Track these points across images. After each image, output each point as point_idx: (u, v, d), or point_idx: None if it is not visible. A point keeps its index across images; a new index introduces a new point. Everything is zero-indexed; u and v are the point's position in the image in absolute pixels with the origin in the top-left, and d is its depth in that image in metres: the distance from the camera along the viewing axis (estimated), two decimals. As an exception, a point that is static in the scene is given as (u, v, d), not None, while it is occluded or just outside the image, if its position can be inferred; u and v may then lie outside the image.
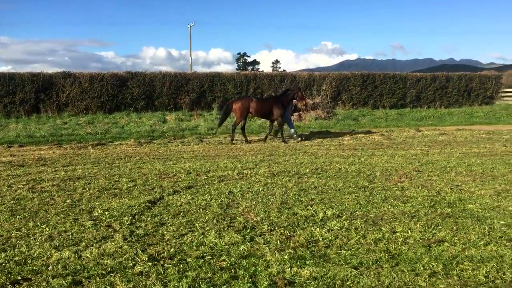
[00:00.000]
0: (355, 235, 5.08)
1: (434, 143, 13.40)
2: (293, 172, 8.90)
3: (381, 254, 4.46)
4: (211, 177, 8.49)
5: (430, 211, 6.01)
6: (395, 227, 5.35)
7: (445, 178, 8.17)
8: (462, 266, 4.16)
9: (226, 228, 5.37)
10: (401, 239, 4.93)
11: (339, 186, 7.66)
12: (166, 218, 5.83)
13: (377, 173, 8.72)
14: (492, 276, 3.92)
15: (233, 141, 14.17)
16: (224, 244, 4.82)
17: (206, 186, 7.74)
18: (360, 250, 4.62)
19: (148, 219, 5.79)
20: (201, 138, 15.36)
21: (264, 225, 5.47)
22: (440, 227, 5.33)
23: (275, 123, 14.57)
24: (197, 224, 5.54)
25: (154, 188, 7.62)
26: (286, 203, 6.52)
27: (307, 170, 9.08)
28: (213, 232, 5.19)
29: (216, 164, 9.98)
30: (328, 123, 19.30)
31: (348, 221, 5.58)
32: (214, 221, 5.68)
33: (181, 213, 6.04)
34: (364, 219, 5.70)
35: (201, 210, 6.21)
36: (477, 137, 15.04)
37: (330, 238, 4.98)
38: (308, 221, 5.64)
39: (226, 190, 7.43)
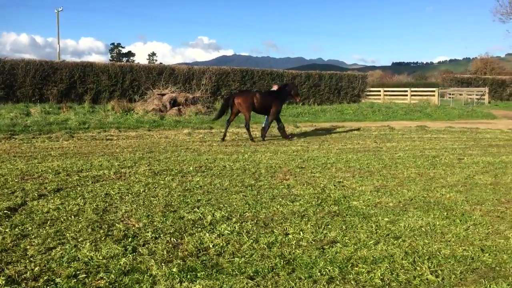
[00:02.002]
0: (247, 239, 4.77)
1: (312, 139, 13.76)
2: (176, 171, 8.39)
3: (276, 260, 4.20)
4: (84, 178, 7.64)
5: (318, 210, 5.94)
6: (286, 228, 5.15)
7: (327, 175, 8.28)
8: (357, 268, 4.05)
9: (103, 238, 4.72)
10: (294, 241, 4.74)
11: (225, 185, 7.34)
12: (30, 228, 4.99)
13: (262, 170, 8.58)
14: (388, 279, 3.85)
15: (253, 139, 13.16)
16: (101, 257, 4.19)
17: (79, 188, 6.91)
18: (254, 256, 4.31)
19: (7, 230, 4.90)
20: (72, 133, 14.04)
21: (148, 232, 4.93)
22: (330, 226, 5.24)
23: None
24: (68, 235, 4.81)
25: (15, 191, 6.59)
26: (171, 206, 6.02)
27: (191, 168, 8.63)
28: (88, 243, 4.52)
29: (89, 162, 9.07)
30: (208, 118, 18.96)
31: (238, 224, 5.26)
32: (89, 229, 4.99)
33: (49, 222, 5.23)
34: (255, 220, 5.42)
35: (72, 217, 5.44)
36: (350, 133, 15.81)
37: (221, 244, 4.61)
38: (196, 225, 5.21)
39: (102, 192, 6.69)
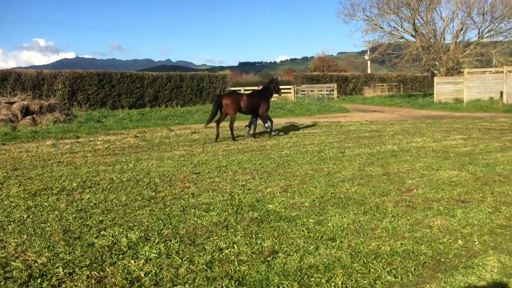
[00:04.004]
0: (181, 261, 4.24)
1: (192, 142, 13.32)
2: (57, 188, 7.34)
3: (226, 282, 3.77)
4: None
5: (239, 218, 5.59)
6: (217, 243, 4.72)
7: (227, 179, 7.96)
8: (314, 279, 3.81)
9: (2, 283, 3.80)
10: (233, 257, 4.33)
11: (123, 200, 6.58)
12: None
13: (157, 180, 7.94)
14: (351, 286, 3.68)
15: (235, 139, 13.64)
16: (12, 310, 3.33)
17: None
18: (198, 281, 3.82)
19: None
20: None
21: (58, 268, 4.10)
22: (261, 235, 4.94)
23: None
24: (-48, 285, 3.77)
25: None
26: (71, 232, 5.16)
27: (74, 184, 7.63)
28: (-15, 293, 3.58)
29: None
30: (70, 126, 17.28)
31: (162, 244, 4.67)
32: (-22, 274, 3.99)
33: None
34: (178, 238, 4.88)
35: None
36: (227, 133, 15.68)
37: (154, 271, 4.01)
38: (113, 252, 4.50)
39: (-26, 223, 5.49)
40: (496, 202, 5.99)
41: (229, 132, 13.92)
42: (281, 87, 36.69)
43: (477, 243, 4.53)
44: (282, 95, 32.88)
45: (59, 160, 10.28)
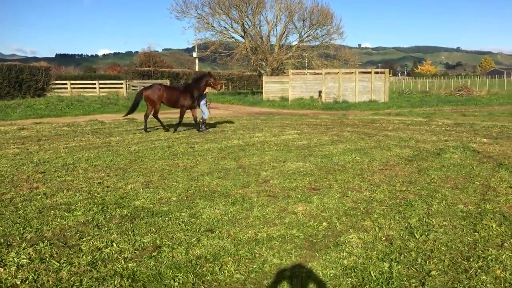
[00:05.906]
0: (59, 264, 3.96)
1: (24, 139, 12.08)
2: None
3: (118, 280, 3.66)
4: None
5: (108, 216, 5.38)
6: (93, 242, 4.48)
7: (80, 177, 7.49)
8: (206, 269, 3.90)
9: None
10: (116, 255, 4.19)
11: (-39, 205, 5.77)
12: None
13: (-5, 181, 7.11)
14: (244, 271, 3.86)
15: (148, 130, 13.99)
16: None
17: None
18: (85, 283, 3.63)
19: None
20: None
21: None
22: (137, 231, 4.84)
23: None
24: None
25: None
26: None
27: None
28: None
29: None
30: None
31: (30, 249, 4.29)
32: None
33: None
34: (46, 241, 4.50)
35: None
36: (61, 130, 14.57)
37: (31, 277, 3.72)
38: (-28, 262, 3.96)
39: None
40: (342, 188, 6.77)
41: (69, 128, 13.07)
42: (113, 81, 35.45)
43: (338, 224, 5.11)
44: (114, 90, 31.75)
45: None
